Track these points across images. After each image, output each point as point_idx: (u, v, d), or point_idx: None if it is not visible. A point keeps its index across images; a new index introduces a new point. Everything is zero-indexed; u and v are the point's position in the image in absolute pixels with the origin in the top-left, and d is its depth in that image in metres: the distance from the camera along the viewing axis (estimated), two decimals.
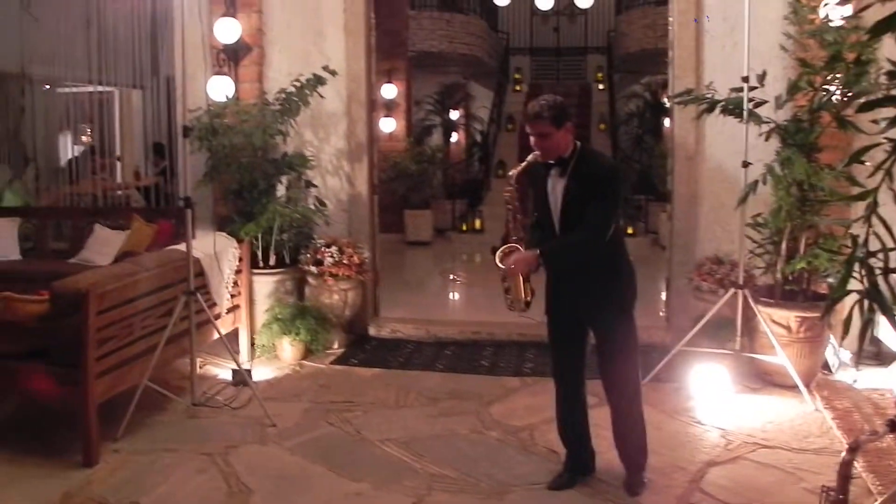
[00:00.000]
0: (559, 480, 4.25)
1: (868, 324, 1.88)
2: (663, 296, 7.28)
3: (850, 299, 1.96)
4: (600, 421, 4.37)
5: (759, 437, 4.88)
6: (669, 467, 4.44)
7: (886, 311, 1.84)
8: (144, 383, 5.01)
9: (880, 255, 1.87)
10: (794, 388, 5.50)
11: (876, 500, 2.84)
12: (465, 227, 13.95)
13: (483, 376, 6.16)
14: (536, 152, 3.97)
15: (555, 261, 4.05)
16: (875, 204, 1.89)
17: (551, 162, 4.00)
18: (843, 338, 2.12)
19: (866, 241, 1.87)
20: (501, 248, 4.08)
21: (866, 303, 1.84)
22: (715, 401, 5.46)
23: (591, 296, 4.03)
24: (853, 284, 1.98)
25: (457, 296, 10.16)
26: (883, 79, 4.86)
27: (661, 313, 7.22)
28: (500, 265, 4.06)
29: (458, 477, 4.39)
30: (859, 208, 1.98)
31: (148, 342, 5.12)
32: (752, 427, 5.05)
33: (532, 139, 3.96)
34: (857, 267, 1.85)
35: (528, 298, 4.12)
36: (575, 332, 4.17)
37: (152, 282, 5.17)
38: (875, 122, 1.94)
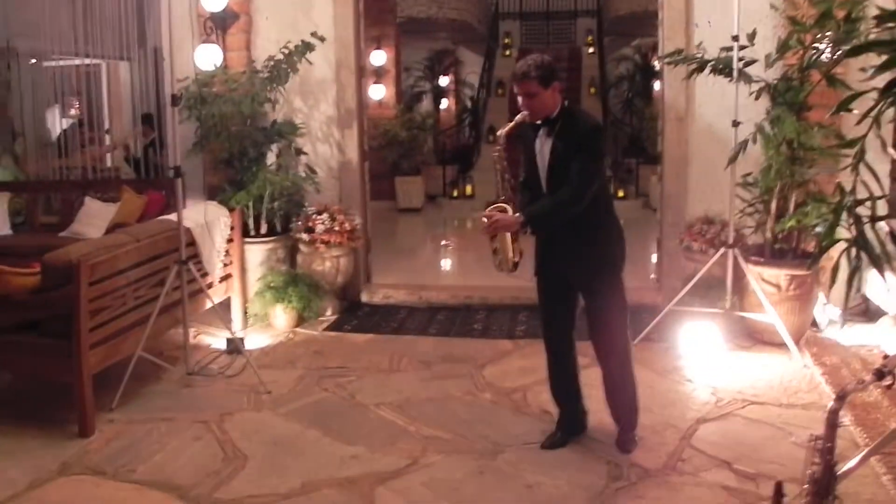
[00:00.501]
0: (552, 439, 4.29)
1: (855, 272, 1.90)
2: (654, 257, 7.30)
3: (838, 254, 1.98)
4: (592, 381, 4.41)
5: (748, 394, 4.93)
6: (661, 425, 4.49)
7: (874, 259, 1.85)
8: (138, 353, 5.03)
9: (867, 204, 1.88)
10: (783, 345, 5.54)
11: (863, 452, 2.89)
12: (456, 193, 13.95)
13: (476, 340, 6.20)
14: (524, 112, 3.96)
15: (537, 224, 4.05)
16: (863, 151, 1.90)
17: (539, 122, 3.99)
18: (830, 287, 2.14)
19: (853, 189, 1.88)
20: (489, 208, 4.07)
21: (853, 251, 1.86)
22: (706, 359, 5.51)
23: (580, 258, 4.04)
24: (841, 236, 2.00)
25: (448, 261, 10.18)
26: (872, 24, 4.85)
27: (651, 275, 7.25)
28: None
29: (452, 438, 4.43)
30: (847, 163, 1.99)
31: (141, 312, 5.12)
32: (742, 384, 5.10)
33: (520, 99, 3.95)
34: (845, 216, 1.87)
35: (517, 259, 4.10)
36: (564, 294, 4.19)
37: (144, 252, 5.17)
38: (863, 69, 1.94)
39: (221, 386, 5.29)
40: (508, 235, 4.04)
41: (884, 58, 1.59)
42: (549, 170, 3.99)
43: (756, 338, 5.88)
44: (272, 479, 4.02)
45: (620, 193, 13.12)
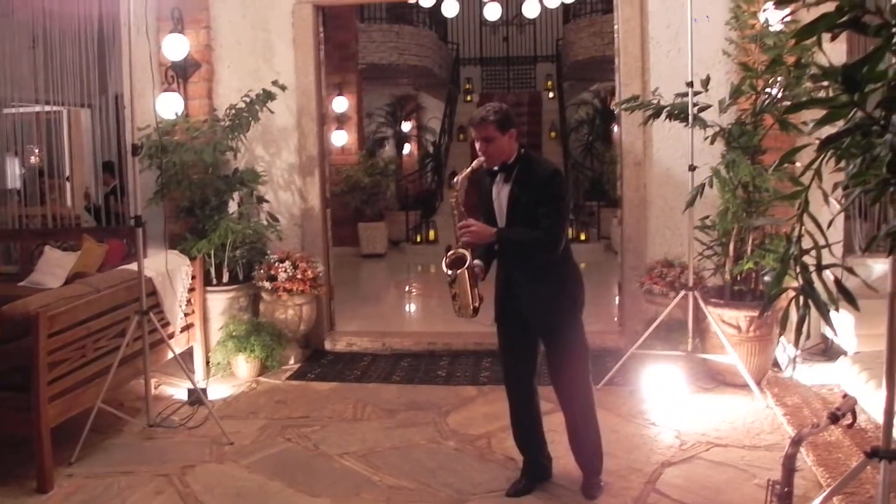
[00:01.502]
0: (517, 487, 4.27)
1: (803, 319, 1.94)
2: (617, 300, 7.35)
3: (788, 301, 2.03)
4: (556, 426, 4.42)
5: (712, 437, 4.96)
6: (625, 469, 4.49)
7: (820, 308, 1.89)
8: (98, 405, 4.95)
9: (814, 253, 1.93)
10: (745, 386, 5.60)
11: (825, 492, 2.92)
12: (419, 239, 13.99)
13: (440, 386, 6.17)
14: (481, 158, 4.01)
15: (508, 244, 4.05)
16: (806, 203, 1.95)
17: (496, 168, 4.04)
18: (780, 334, 2.17)
19: (799, 239, 1.93)
20: (448, 255, 4.07)
21: (801, 299, 1.90)
22: (669, 402, 5.54)
23: (540, 303, 4.06)
24: (792, 284, 2.04)
25: (412, 307, 10.17)
26: (808, 84, 4.99)
27: (614, 318, 7.30)
28: (446, 271, 4.05)
29: (416, 487, 4.40)
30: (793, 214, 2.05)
31: (101, 364, 5.05)
32: (706, 426, 5.13)
33: (477, 144, 4.00)
34: (792, 264, 1.91)
35: (476, 304, 4.10)
36: (525, 340, 4.19)
37: (104, 302, 5.12)
38: (804, 123, 2.00)
39: (183, 437, 5.22)
40: (468, 281, 4.03)
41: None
42: (507, 215, 4.03)
43: (718, 379, 5.93)
44: None
45: (582, 236, 13.25)
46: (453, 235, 4.13)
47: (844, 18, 1.59)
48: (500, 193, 4.06)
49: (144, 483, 4.52)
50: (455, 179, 4.17)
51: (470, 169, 4.08)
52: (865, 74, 1.54)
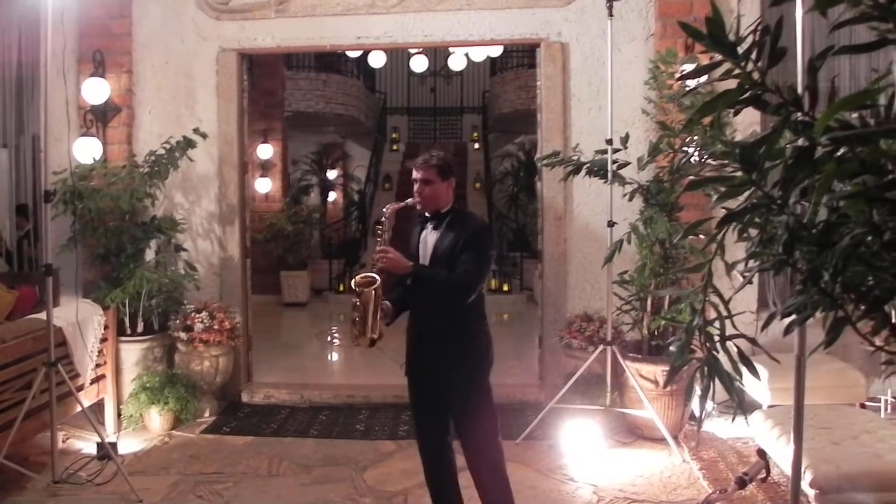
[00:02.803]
0: None
1: (707, 390, 1.96)
2: (537, 353, 7.37)
3: (693, 371, 2.05)
4: (473, 482, 4.36)
5: (629, 492, 4.98)
6: None
7: (722, 379, 1.91)
8: (0, 461, 4.75)
9: (717, 324, 1.95)
10: (663, 440, 5.65)
11: None
12: (342, 288, 13.88)
13: (358, 441, 6.08)
14: (416, 198, 4.04)
15: (422, 280, 4.01)
16: (710, 275, 1.98)
17: (428, 215, 4.07)
18: (687, 400, 2.19)
19: (703, 309, 1.95)
20: (360, 275, 4.02)
21: (705, 370, 1.92)
22: (587, 457, 5.54)
23: (449, 359, 4.00)
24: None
25: (333, 357, 10.04)
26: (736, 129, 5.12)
27: (535, 371, 7.31)
28: (355, 288, 3.97)
29: None
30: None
31: (5, 417, 4.87)
32: (623, 481, 5.15)
33: (415, 186, 4.03)
34: (697, 335, 1.93)
35: (375, 336, 3.97)
36: (435, 395, 4.12)
37: (9, 353, 4.96)
38: (709, 195, 2.04)
39: (90, 494, 5.03)
40: (371, 308, 3.93)
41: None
42: (430, 261, 4.03)
43: (636, 433, 5.98)
44: None
45: (505, 287, 13.32)
46: (370, 259, 4.06)
47: (745, 96, 1.63)
48: (427, 238, 4.08)
49: None
50: (386, 208, 4.20)
51: (404, 203, 4.13)
52: (763, 153, 1.58)
